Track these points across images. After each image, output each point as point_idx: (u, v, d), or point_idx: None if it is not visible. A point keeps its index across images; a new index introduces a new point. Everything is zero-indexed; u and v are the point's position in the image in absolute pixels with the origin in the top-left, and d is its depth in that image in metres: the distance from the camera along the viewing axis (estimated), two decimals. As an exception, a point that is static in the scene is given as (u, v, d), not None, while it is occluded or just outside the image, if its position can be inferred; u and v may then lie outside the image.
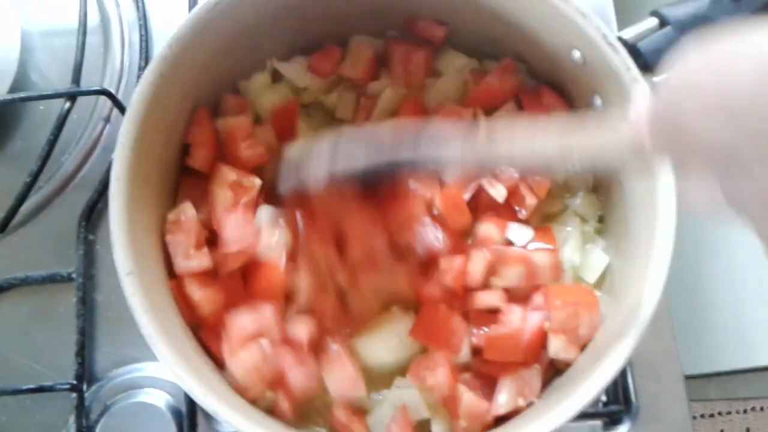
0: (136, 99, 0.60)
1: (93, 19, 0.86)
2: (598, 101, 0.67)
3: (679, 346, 0.76)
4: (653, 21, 0.65)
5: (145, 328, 0.55)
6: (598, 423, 0.74)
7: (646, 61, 0.64)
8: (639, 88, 0.59)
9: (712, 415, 1.45)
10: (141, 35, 0.86)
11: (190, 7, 0.86)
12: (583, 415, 0.72)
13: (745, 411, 1.57)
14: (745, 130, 0.25)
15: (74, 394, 0.73)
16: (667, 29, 0.64)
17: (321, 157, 0.62)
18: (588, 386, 0.56)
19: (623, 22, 0.83)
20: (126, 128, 0.60)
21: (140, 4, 0.87)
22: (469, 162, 0.58)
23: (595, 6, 0.85)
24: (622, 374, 0.74)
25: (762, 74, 0.25)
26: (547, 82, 0.74)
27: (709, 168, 0.27)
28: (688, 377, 0.77)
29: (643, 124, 0.34)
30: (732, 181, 0.27)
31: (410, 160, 0.59)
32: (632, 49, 0.63)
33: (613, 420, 0.74)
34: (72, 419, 0.73)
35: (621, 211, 0.68)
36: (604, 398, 0.75)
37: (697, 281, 1.35)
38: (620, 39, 0.63)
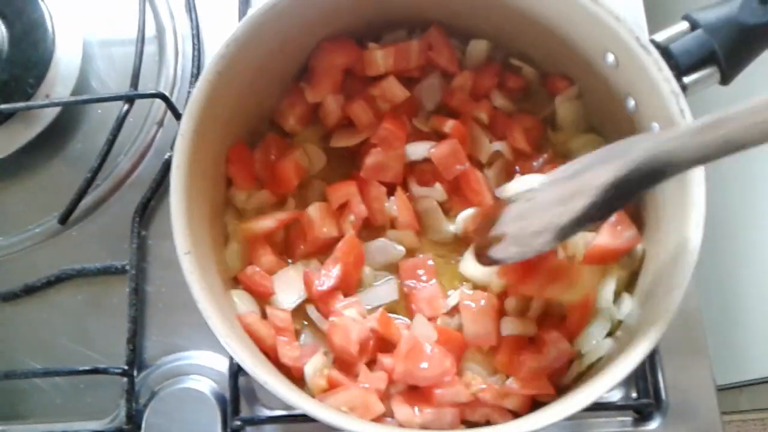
0: (194, 95, 0.65)
1: (149, 30, 0.91)
2: (631, 103, 0.69)
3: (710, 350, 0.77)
4: (684, 24, 0.67)
5: (201, 302, 0.59)
6: (628, 419, 0.75)
7: (678, 63, 0.66)
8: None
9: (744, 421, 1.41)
10: (194, 45, 0.91)
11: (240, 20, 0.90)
12: (614, 407, 0.74)
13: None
14: None
15: (125, 379, 0.76)
16: (698, 32, 0.66)
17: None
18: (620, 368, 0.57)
19: (653, 27, 0.86)
20: (185, 122, 0.64)
21: (193, 17, 0.92)
22: None
23: (627, 11, 0.87)
24: (653, 370, 0.75)
25: None
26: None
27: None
28: (719, 388, 0.77)
29: None
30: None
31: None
32: (664, 52, 0.66)
33: (644, 416, 0.75)
34: (122, 403, 0.76)
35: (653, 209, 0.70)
36: (634, 394, 0.76)
37: (728, 287, 1.34)
38: (653, 41, 0.66)
